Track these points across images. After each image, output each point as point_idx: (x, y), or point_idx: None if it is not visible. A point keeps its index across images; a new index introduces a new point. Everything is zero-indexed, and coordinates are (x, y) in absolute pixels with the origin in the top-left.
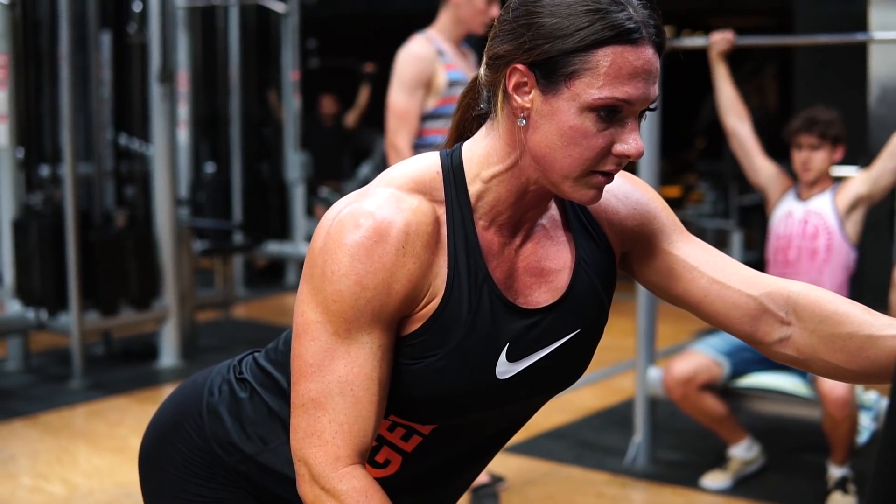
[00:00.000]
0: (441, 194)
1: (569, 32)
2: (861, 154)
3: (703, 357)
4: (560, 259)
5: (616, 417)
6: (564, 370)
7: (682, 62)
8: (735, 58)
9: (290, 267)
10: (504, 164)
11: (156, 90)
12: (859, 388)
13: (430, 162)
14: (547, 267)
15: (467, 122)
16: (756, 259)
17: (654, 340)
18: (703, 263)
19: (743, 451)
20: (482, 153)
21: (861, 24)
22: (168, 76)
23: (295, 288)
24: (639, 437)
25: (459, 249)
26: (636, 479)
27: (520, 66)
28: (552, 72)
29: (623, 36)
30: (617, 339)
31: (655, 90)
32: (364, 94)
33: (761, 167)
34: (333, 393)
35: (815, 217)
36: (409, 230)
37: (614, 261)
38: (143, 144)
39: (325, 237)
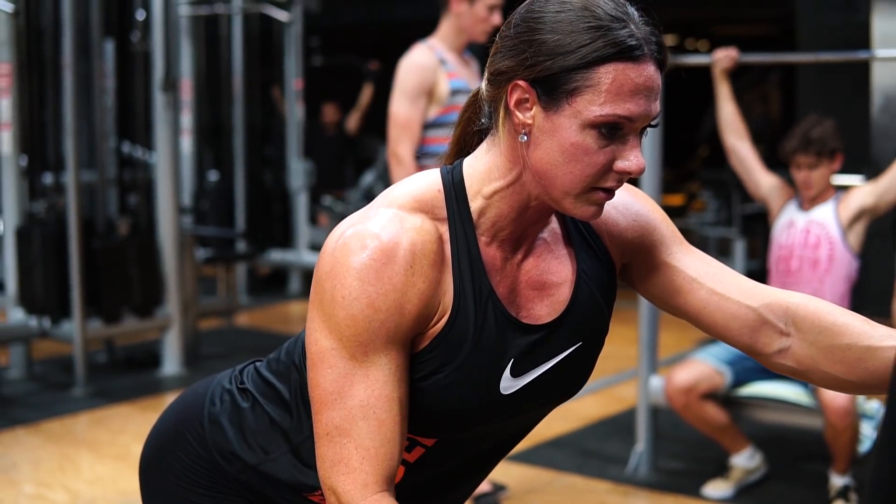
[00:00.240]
0: (443, 212)
1: (570, 49)
2: (864, 164)
3: (704, 366)
4: (561, 272)
5: (618, 426)
6: (567, 382)
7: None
8: (741, 65)
9: (293, 275)
10: (505, 179)
11: (159, 98)
12: (861, 398)
13: (431, 180)
14: (549, 280)
15: (468, 136)
16: (759, 268)
17: (655, 349)
18: (703, 275)
19: (745, 460)
20: (483, 169)
21: (864, 33)
22: (171, 85)
23: (298, 296)
24: (641, 445)
25: (464, 267)
26: (638, 487)
27: (521, 83)
28: (554, 88)
29: (625, 53)
30: (619, 347)
31: (657, 107)
32: (366, 94)
33: (762, 180)
34: (356, 418)
35: (818, 227)
36: (415, 249)
37: (615, 272)
38: (146, 152)
39: (331, 261)
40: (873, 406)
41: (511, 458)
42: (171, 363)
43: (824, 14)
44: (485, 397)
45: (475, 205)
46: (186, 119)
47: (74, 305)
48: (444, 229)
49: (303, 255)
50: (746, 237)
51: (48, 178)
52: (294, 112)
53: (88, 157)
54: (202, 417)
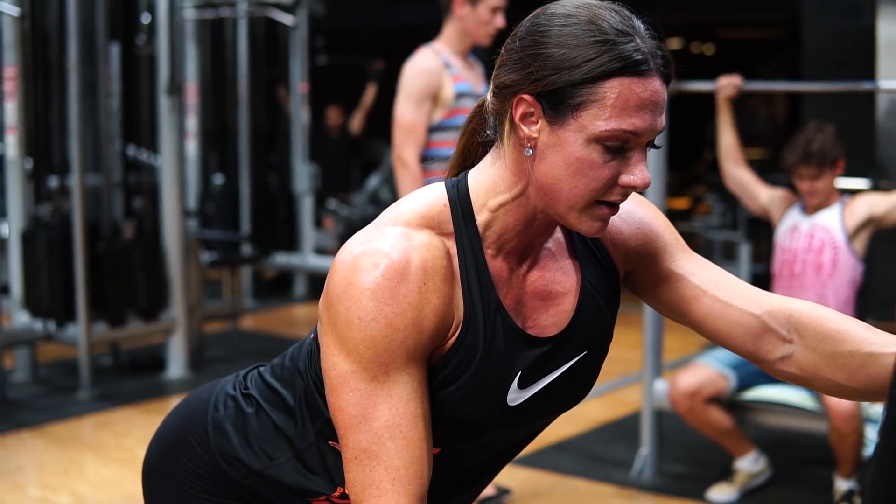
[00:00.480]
0: (450, 227)
1: (576, 64)
2: (870, 167)
3: (709, 370)
4: (566, 282)
5: (623, 430)
6: (571, 391)
7: (692, 72)
8: (747, 69)
9: (299, 278)
10: (511, 193)
11: (164, 102)
12: (865, 402)
13: (436, 195)
14: (554, 290)
15: (472, 146)
16: (764, 271)
17: (660, 353)
18: (706, 282)
19: (749, 464)
20: (489, 182)
21: (869, 36)
22: (176, 88)
23: (303, 299)
24: (645, 449)
25: (472, 281)
26: (642, 491)
27: (526, 97)
28: (559, 103)
29: (631, 68)
30: (624, 351)
31: (662, 121)
32: (370, 94)
33: (759, 194)
34: (383, 439)
35: (822, 231)
36: (426, 266)
37: (618, 280)
38: (151, 156)
39: (343, 283)
40: (878, 410)
41: (516, 462)
42: (176, 366)
43: (830, 18)
44: (492, 409)
45: (481, 218)
46: (192, 122)
47: (79, 309)
48: (452, 244)
49: (308, 259)
50: (752, 241)
51: (53, 182)
52: (299, 115)
53: (94, 161)
54: (206, 423)
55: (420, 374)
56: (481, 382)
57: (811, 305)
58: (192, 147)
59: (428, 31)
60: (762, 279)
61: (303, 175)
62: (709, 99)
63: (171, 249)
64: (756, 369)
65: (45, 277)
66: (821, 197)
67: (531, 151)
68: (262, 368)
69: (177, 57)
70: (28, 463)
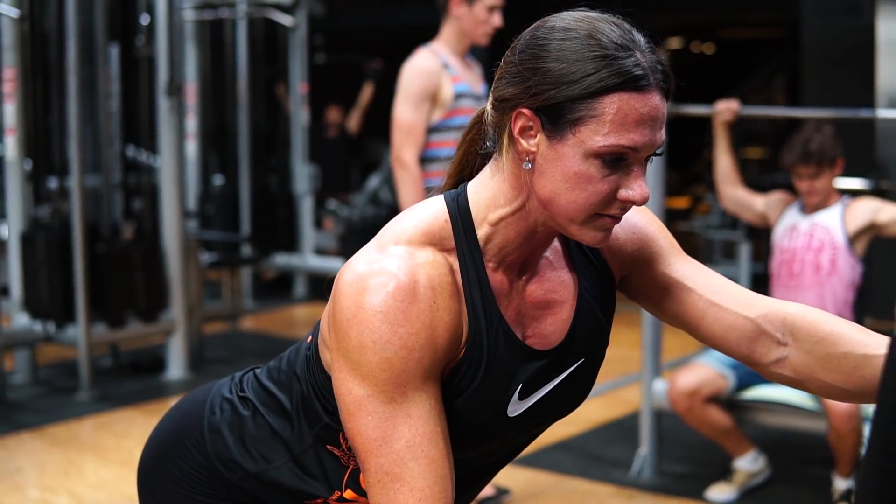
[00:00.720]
0: (451, 242)
1: (575, 79)
2: (870, 167)
3: (708, 369)
4: (564, 290)
5: (622, 429)
6: (569, 398)
7: (692, 72)
8: (746, 68)
9: (299, 279)
10: (511, 206)
11: (163, 103)
12: (861, 403)
13: (437, 210)
14: (552, 299)
15: (470, 157)
16: (764, 271)
17: (659, 353)
18: (701, 286)
19: (748, 464)
20: (489, 196)
21: (868, 36)
22: (176, 89)
23: (303, 300)
24: (644, 449)
25: (475, 296)
26: (642, 491)
27: (525, 111)
28: (558, 118)
29: (630, 83)
30: (623, 351)
31: (662, 135)
32: (367, 93)
33: (755, 204)
34: (406, 460)
35: (822, 231)
36: (434, 284)
37: (614, 285)
38: (150, 156)
39: (353, 307)
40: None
41: (515, 462)
42: (176, 367)
43: (829, 18)
44: (493, 421)
45: (481, 232)
46: (191, 123)
47: (79, 310)
48: (454, 259)
49: (308, 259)
50: (751, 240)
51: (53, 183)
52: (299, 116)
53: (93, 162)
54: (202, 426)
55: (436, 391)
56: (484, 396)
57: (806, 308)
58: (191, 148)
59: (427, 32)
60: (762, 279)
61: (303, 176)
62: (710, 98)
63: (170, 250)
64: None
65: (44, 279)
66: (820, 196)
67: (530, 165)
68: (257, 371)
69: (176, 58)
70: (28, 464)
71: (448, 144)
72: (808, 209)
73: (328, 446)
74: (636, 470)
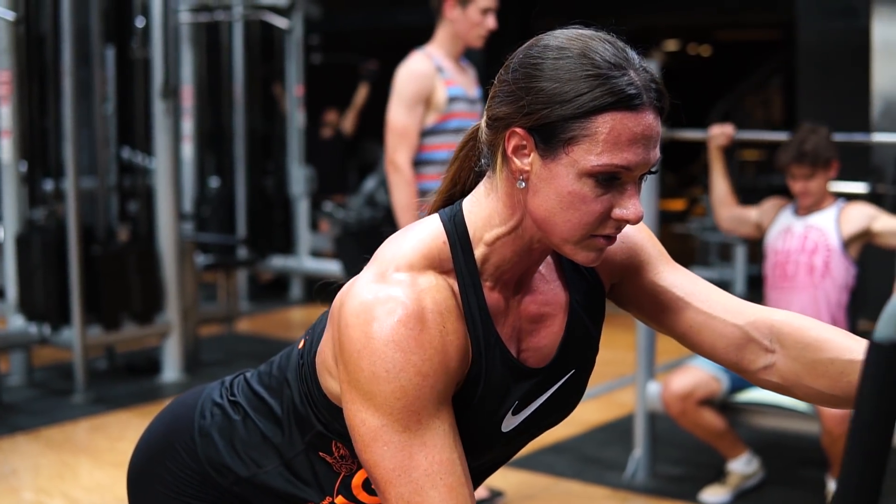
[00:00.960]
0: (450, 264)
1: (568, 98)
2: (866, 171)
3: (701, 372)
4: (556, 303)
5: (617, 432)
6: (561, 408)
7: (689, 74)
8: (742, 70)
9: (295, 281)
10: (506, 226)
11: (159, 105)
12: (848, 409)
13: (434, 231)
14: (545, 312)
15: (464, 172)
16: (759, 273)
17: (653, 355)
18: (689, 294)
19: (742, 466)
20: (484, 215)
21: (864, 38)
22: (171, 92)
23: (299, 302)
24: (638, 451)
25: (475, 316)
26: (636, 493)
27: (519, 130)
28: (551, 137)
29: (623, 102)
30: (618, 353)
31: (656, 153)
32: (361, 94)
33: (750, 215)
34: (425, 489)
35: (816, 233)
36: (441, 309)
37: (604, 294)
38: (145, 158)
39: (362, 338)
40: None
41: (509, 464)
42: (171, 370)
43: (825, 20)
44: (487, 437)
45: (478, 252)
46: (188, 125)
47: (74, 312)
48: (453, 281)
49: (304, 262)
50: (747, 243)
51: (49, 185)
52: (295, 118)
53: (89, 164)
54: (192, 430)
55: (449, 415)
56: (479, 415)
57: (793, 315)
58: (188, 150)
59: (423, 33)
60: (758, 281)
61: (299, 178)
62: (705, 99)
63: (165, 253)
64: None
65: (39, 281)
66: (814, 198)
67: (524, 184)
68: (247, 375)
69: (171, 60)
70: (22, 466)
71: (442, 148)
72: (802, 211)
73: (320, 453)
74: (630, 472)
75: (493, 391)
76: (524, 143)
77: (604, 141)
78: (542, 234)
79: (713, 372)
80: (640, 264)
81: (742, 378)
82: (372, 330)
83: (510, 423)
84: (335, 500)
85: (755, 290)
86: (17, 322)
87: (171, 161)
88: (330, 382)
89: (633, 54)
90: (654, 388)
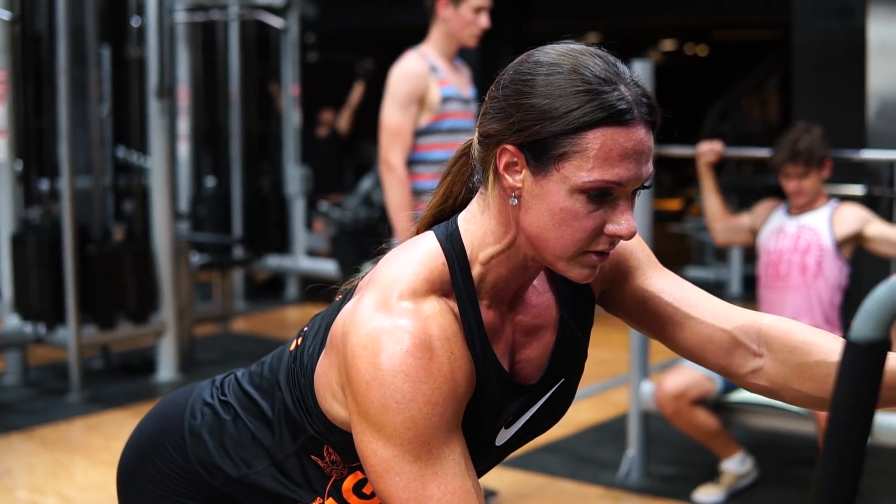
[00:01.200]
0: (449, 285)
1: (558, 115)
2: (864, 175)
3: (694, 372)
4: (547, 314)
5: (611, 431)
6: (552, 416)
7: (685, 72)
8: (739, 70)
9: (290, 281)
10: (501, 244)
11: (154, 105)
12: None
13: (433, 253)
14: (536, 324)
15: (456, 187)
16: (755, 273)
17: (647, 355)
18: (678, 299)
19: (736, 465)
20: (480, 234)
21: (860, 38)
22: (166, 91)
23: (294, 301)
24: (632, 451)
25: (474, 336)
26: (629, 492)
27: (510, 147)
28: (542, 153)
29: (614, 118)
30: (612, 353)
31: (649, 168)
32: (357, 93)
33: (743, 221)
34: None
35: (809, 232)
36: (446, 335)
37: (594, 302)
38: (141, 157)
39: (371, 369)
40: None
41: (503, 463)
42: (167, 369)
43: (820, 19)
44: (481, 452)
45: (475, 272)
46: (184, 125)
47: (69, 312)
48: (453, 303)
49: (300, 261)
50: None
51: (44, 185)
52: (291, 118)
53: (84, 164)
54: (183, 430)
55: (460, 441)
56: (475, 433)
57: (780, 319)
58: (184, 150)
59: (420, 33)
60: (754, 281)
61: (294, 177)
62: (704, 98)
63: (161, 252)
64: None
65: (35, 280)
66: (807, 197)
67: (516, 201)
68: (238, 374)
69: (165, 60)
70: (17, 466)
71: (436, 148)
72: (795, 210)
73: (312, 456)
74: (624, 471)
75: (489, 409)
76: (515, 159)
77: (595, 157)
78: (535, 252)
79: (706, 372)
80: (629, 270)
81: None
82: (380, 361)
83: (503, 436)
84: (325, 502)
85: (751, 290)
86: (13, 321)
87: (167, 160)
88: (334, 406)
89: (623, 68)
90: (647, 387)
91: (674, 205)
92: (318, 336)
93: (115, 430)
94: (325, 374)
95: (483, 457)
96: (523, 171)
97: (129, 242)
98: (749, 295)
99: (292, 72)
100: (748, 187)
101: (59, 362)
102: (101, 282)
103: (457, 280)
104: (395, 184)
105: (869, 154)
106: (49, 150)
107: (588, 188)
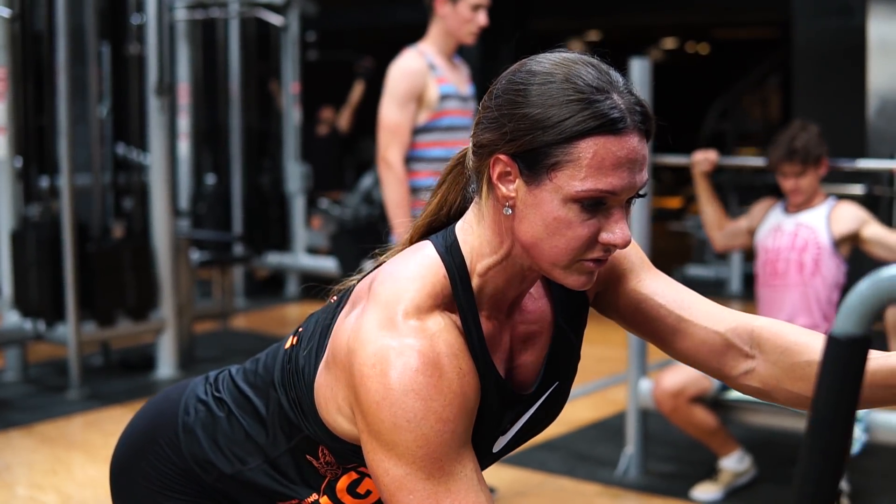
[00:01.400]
0: (451, 298)
1: (550, 124)
2: (864, 175)
3: (692, 369)
4: (543, 320)
5: (610, 429)
6: (545, 419)
7: (686, 71)
8: (740, 68)
9: (291, 278)
10: (497, 255)
11: (153, 103)
12: None
13: (434, 265)
14: (532, 331)
15: (451, 195)
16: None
17: (645, 353)
18: (671, 301)
19: (734, 463)
20: (477, 245)
21: (860, 36)
22: (165, 89)
23: (295, 299)
24: (630, 448)
25: (475, 347)
26: (628, 490)
27: (503, 157)
28: (535, 163)
29: (606, 126)
30: (610, 350)
31: (643, 177)
32: (357, 91)
33: (741, 225)
34: None
35: (806, 230)
36: (453, 351)
37: (587, 305)
38: (140, 154)
39: (381, 389)
40: (861, 410)
41: (501, 461)
42: (166, 366)
43: (821, 18)
44: (478, 458)
45: (475, 283)
46: (184, 123)
47: (69, 309)
48: (455, 316)
49: (300, 258)
50: None
51: (44, 182)
52: (291, 115)
53: (84, 161)
54: (176, 426)
55: (471, 456)
56: (474, 440)
57: (772, 321)
58: (184, 147)
59: (420, 31)
60: (754, 279)
61: (295, 175)
62: (705, 95)
63: (160, 249)
64: None
65: (34, 277)
66: (804, 195)
67: (510, 211)
68: (233, 371)
69: (165, 58)
70: (16, 462)
71: (434, 145)
72: (793, 209)
73: (307, 456)
74: (622, 469)
75: (488, 419)
76: (508, 169)
77: (587, 166)
78: (531, 261)
79: None
80: (622, 273)
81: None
82: (390, 380)
83: (500, 443)
84: (320, 500)
85: (751, 289)
86: (12, 318)
87: (166, 158)
88: (338, 420)
89: (617, 77)
90: (646, 385)
91: (674, 203)
92: (313, 339)
93: (115, 426)
94: (328, 388)
95: (480, 463)
96: (517, 181)
97: (128, 239)
98: (749, 293)
99: (292, 70)
100: (749, 186)
101: (58, 359)
102: (100, 279)
103: (458, 293)
104: (393, 181)
105: (862, 163)
106: (49, 147)
107: (581, 197)
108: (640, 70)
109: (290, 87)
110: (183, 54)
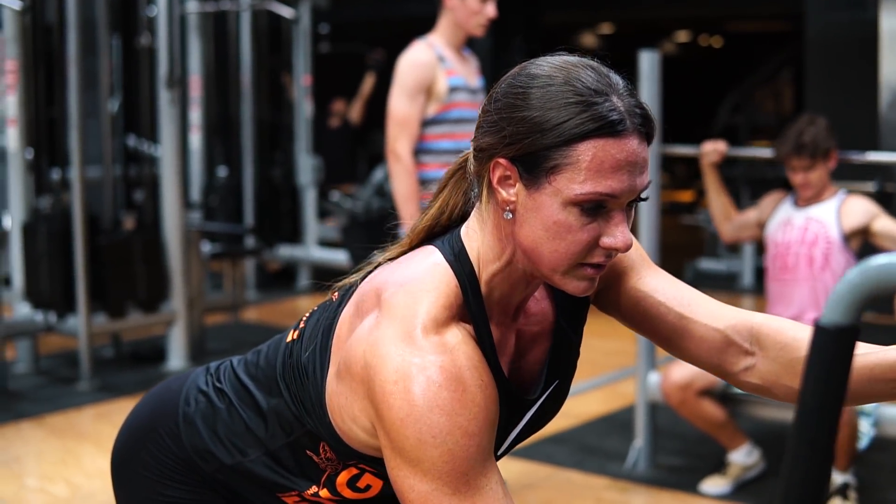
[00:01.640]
0: (464, 308)
1: (549, 127)
2: (876, 171)
3: None
4: (545, 321)
5: (618, 422)
6: (545, 417)
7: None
8: (752, 61)
9: (302, 270)
10: (501, 261)
11: (164, 95)
12: None
13: (445, 276)
14: (535, 332)
15: (454, 198)
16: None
17: (654, 346)
18: (671, 299)
19: (743, 457)
20: (482, 251)
21: (872, 29)
22: (175, 81)
23: (306, 291)
24: (639, 441)
25: (489, 356)
26: (636, 483)
27: (502, 161)
28: (534, 166)
29: (605, 129)
30: (620, 344)
31: (644, 179)
32: (368, 84)
33: (750, 217)
34: None
35: (816, 224)
36: (473, 363)
37: (588, 304)
38: (151, 146)
39: (406, 406)
40: (871, 404)
41: (510, 454)
42: (177, 358)
43: (833, 12)
44: None
45: (483, 290)
46: (196, 115)
47: (80, 300)
48: (469, 326)
49: (311, 251)
50: None
51: (55, 174)
52: (302, 108)
53: (95, 153)
54: (177, 417)
55: (495, 468)
56: None
57: (771, 318)
58: (196, 139)
59: (430, 24)
60: (765, 273)
61: (306, 167)
62: (717, 89)
63: (171, 241)
64: None
65: (45, 269)
66: (814, 189)
67: (510, 215)
68: (234, 362)
69: (176, 50)
70: (26, 453)
71: (443, 138)
72: (802, 202)
73: (307, 451)
74: (631, 462)
75: (499, 426)
76: (508, 173)
77: (586, 169)
78: (532, 267)
79: None
80: (623, 270)
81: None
82: (414, 397)
83: (503, 446)
84: (320, 493)
85: (763, 282)
86: (24, 310)
87: (177, 150)
88: (354, 430)
89: (617, 79)
90: (654, 378)
91: (686, 196)
92: (315, 338)
93: (124, 418)
94: (342, 396)
95: None
96: (517, 185)
97: (139, 231)
98: (761, 287)
99: (304, 62)
100: (760, 178)
101: (69, 351)
102: (111, 271)
103: (469, 302)
104: (402, 173)
105: (877, 156)
106: (60, 139)
107: (580, 201)
108: (648, 63)
109: (301, 80)
110: (194, 46)
